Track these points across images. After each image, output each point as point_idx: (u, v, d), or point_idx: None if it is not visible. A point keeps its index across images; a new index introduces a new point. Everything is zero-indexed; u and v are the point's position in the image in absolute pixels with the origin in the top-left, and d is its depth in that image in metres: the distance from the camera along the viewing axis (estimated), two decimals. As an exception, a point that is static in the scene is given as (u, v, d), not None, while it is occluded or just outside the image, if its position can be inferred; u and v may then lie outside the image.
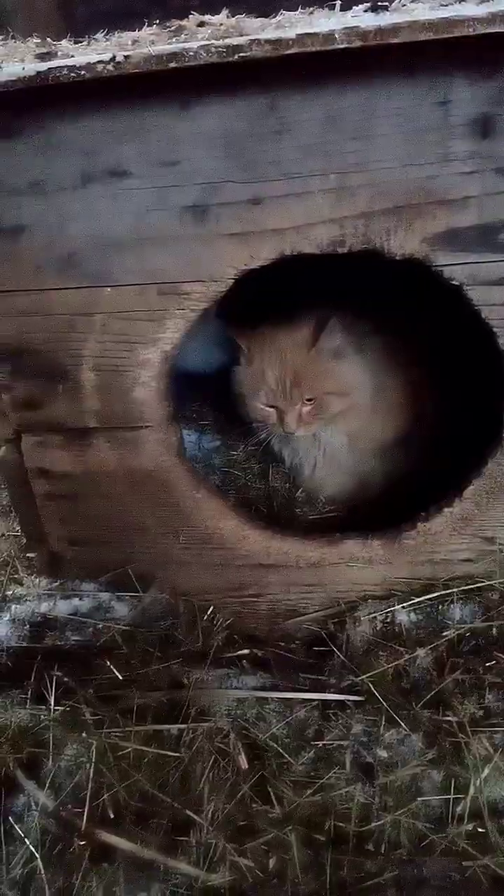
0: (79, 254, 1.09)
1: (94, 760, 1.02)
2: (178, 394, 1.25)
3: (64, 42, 1.05)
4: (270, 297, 1.37)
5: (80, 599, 1.33)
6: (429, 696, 1.10)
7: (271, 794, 0.99)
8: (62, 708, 1.10)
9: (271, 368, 1.34)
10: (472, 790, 0.97)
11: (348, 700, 1.12)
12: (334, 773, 1.02)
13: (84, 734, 1.05)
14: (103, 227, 1.07)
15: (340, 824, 0.96)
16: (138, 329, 1.14)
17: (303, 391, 1.33)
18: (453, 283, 1.05)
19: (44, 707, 1.10)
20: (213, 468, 1.78)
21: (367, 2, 0.96)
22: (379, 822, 0.96)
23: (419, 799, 0.98)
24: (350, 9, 0.96)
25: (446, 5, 0.93)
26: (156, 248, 1.08)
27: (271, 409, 1.38)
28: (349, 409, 1.39)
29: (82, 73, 0.91)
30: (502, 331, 1.07)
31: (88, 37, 1.06)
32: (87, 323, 1.14)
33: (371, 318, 1.42)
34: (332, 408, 1.37)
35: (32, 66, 0.92)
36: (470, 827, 0.94)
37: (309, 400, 1.35)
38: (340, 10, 0.97)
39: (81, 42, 1.05)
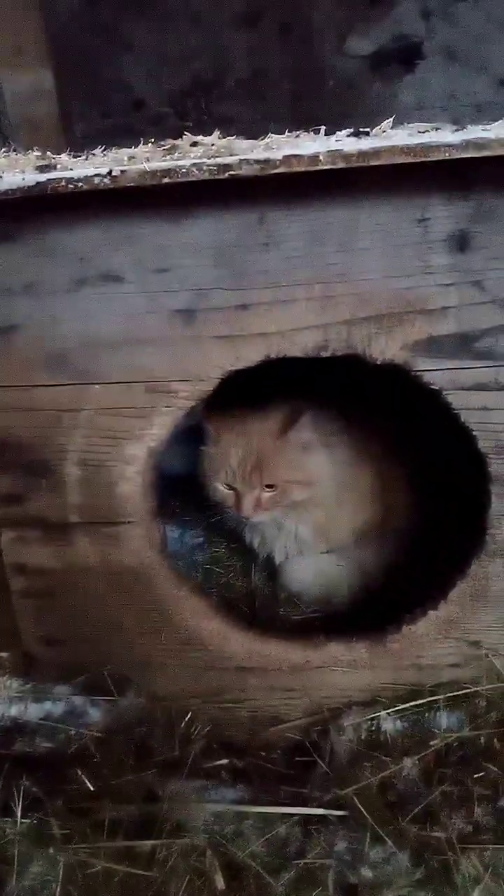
0: (69, 352, 1.11)
1: (61, 880, 0.95)
2: (161, 489, 1.25)
3: (63, 156, 1.10)
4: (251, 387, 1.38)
5: (53, 703, 1.27)
6: (416, 811, 1.05)
7: (250, 918, 0.93)
8: (29, 821, 1.04)
9: (235, 450, 1.36)
10: (462, 915, 0.92)
11: (332, 815, 1.07)
12: (316, 894, 0.96)
13: (52, 850, 0.99)
14: (95, 327, 1.10)
15: None
16: (125, 425, 1.15)
17: (262, 477, 1.35)
18: (433, 387, 1.08)
19: (10, 819, 1.04)
20: (195, 565, 1.75)
21: (349, 128, 1.03)
22: None
23: (407, 925, 0.92)
24: (333, 134, 1.03)
25: (423, 132, 1.00)
26: (145, 348, 1.10)
27: (230, 492, 1.39)
28: (310, 501, 1.40)
29: (80, 184, 0.95)
30: (481, 434, 1.10)
31: (87, 151, 1.11)
32: (74, 418, 1.15)
33: (345, 412, 1.44)
34: (293, 496, 1.38)
35: (32, 177, 0.96)
36: None
37: (269, 487, 1.36)
38: (325, 135, 1.03)
39: (80, 156, 1.10)
